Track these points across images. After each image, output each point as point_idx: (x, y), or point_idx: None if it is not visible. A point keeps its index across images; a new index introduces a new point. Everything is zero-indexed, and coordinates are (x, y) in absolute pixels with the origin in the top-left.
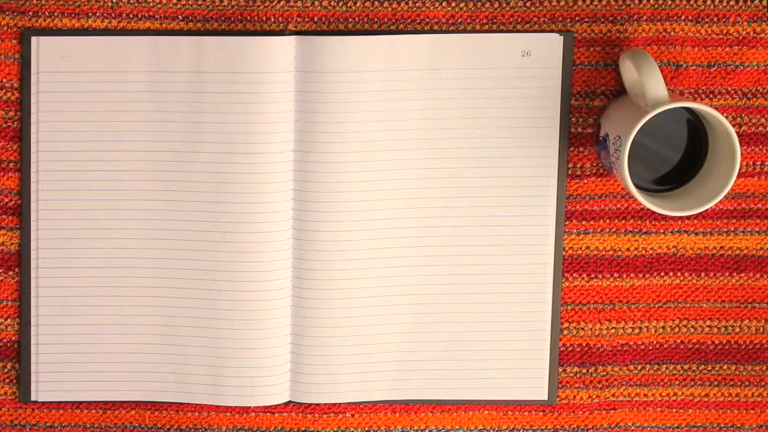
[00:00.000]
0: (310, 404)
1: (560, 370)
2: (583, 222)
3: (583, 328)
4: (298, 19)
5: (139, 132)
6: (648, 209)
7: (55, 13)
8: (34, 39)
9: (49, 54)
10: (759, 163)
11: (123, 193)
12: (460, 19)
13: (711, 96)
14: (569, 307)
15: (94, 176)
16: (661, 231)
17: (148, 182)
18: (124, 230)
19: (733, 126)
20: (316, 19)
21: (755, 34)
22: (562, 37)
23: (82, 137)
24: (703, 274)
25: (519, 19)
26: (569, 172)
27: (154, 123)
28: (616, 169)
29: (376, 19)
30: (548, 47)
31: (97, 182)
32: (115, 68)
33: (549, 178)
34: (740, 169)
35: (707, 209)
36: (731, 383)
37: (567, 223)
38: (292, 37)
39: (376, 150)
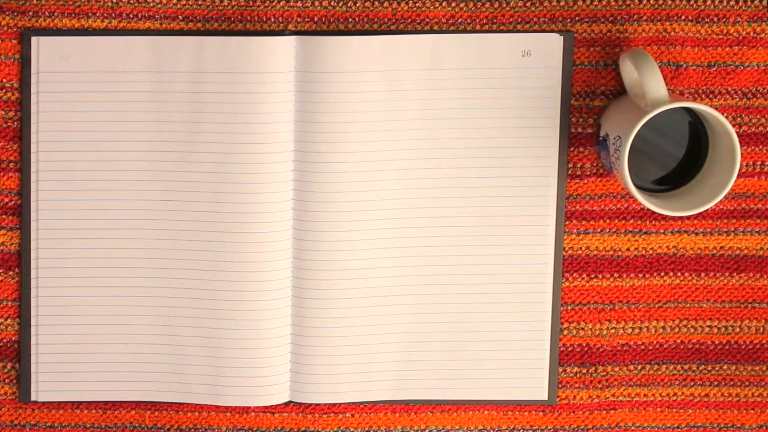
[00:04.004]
0: (310, 404)
1: (560, 370)
2: (583, 222)
3: (583, 328)
4: (298, 19)
5: (139, 132)
6: (648, 209)
7: (55, 13)
8: (33, 39)
9: (48, 54)
10: (759, 163)
11: (123, 193)
12: (460, 19)
13: (711, 96)
14: (569, 307)
15: (94, 176)
16: (661, 231)
17: (148, 182)
18: (124, 230)
19: (733, 126)
20: (316, 19)
21: (755, 34)
22: (562, 37)
23: (82, 137)
24: (703, 274)
25: (519, 19)
26: (569, 172)
27: (154, 123)
28: (616, 169)
29: (376, 19)
30: (548, 47)
31: (96, 182)
32: (115, 68)
33: (549, 178)
34: (740, 169)
35: (707, 209)
36: (731, 383)
37: (567, 223)
38: (292, 37)
39: (376, 150)
